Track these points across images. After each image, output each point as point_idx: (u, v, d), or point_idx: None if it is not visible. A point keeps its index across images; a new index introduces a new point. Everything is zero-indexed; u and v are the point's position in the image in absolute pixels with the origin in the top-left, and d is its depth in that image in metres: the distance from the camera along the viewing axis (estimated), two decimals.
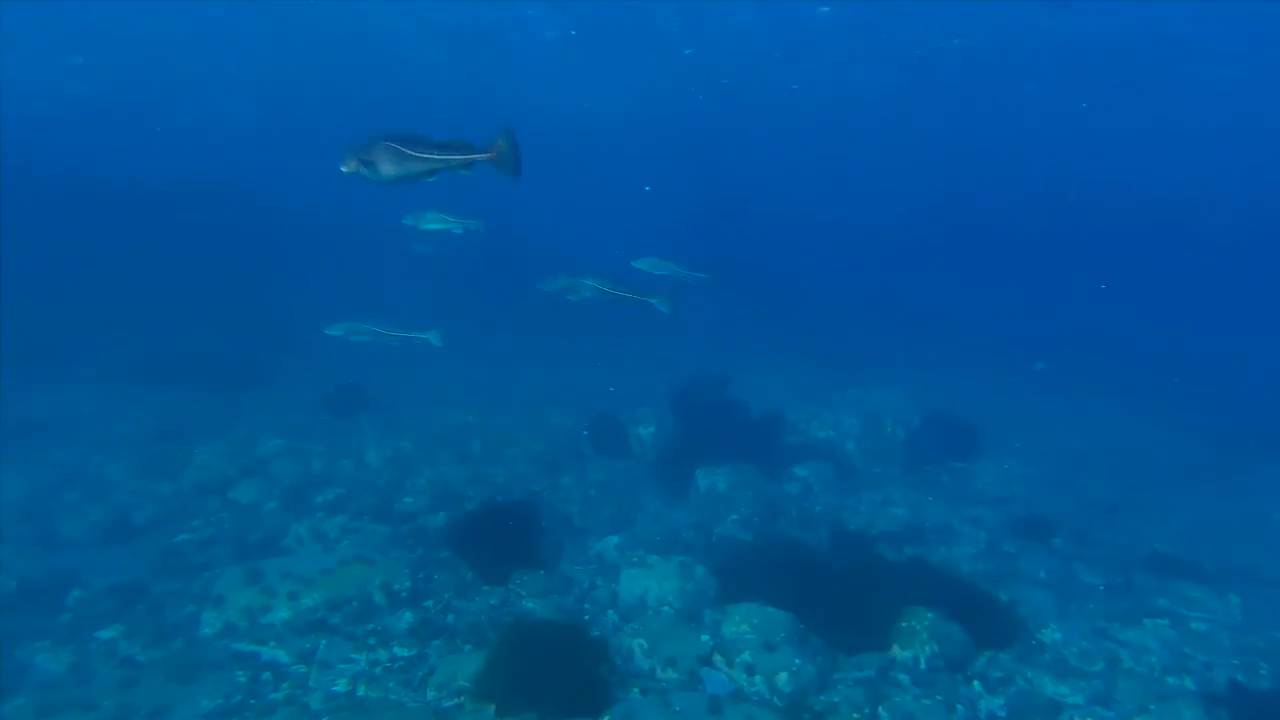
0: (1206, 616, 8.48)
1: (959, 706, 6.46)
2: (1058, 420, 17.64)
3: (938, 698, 6.52)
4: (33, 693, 5.93)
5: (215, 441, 11.35)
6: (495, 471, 11.09)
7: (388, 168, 4.32)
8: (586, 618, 7.74)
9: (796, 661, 6.72)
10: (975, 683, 6.99)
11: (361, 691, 6.31)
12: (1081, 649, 7.65)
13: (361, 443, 11.56)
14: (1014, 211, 40.88)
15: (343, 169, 4.38)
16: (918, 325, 31.42)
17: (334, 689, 6.33)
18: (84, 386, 13.92)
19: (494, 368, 18.35)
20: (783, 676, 6.58)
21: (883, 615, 7.33)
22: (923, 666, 7.00)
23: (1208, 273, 43.52)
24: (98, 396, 13.37)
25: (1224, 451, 16.02)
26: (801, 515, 10.59)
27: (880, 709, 6.30)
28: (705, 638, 7.13)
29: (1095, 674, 7.31)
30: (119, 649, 6.64)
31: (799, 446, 12.74)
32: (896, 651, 7.13)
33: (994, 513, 11.26)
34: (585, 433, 12.79)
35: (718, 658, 6.88)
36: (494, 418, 13.54)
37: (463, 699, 6.10)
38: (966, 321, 32.65)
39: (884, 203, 40.91)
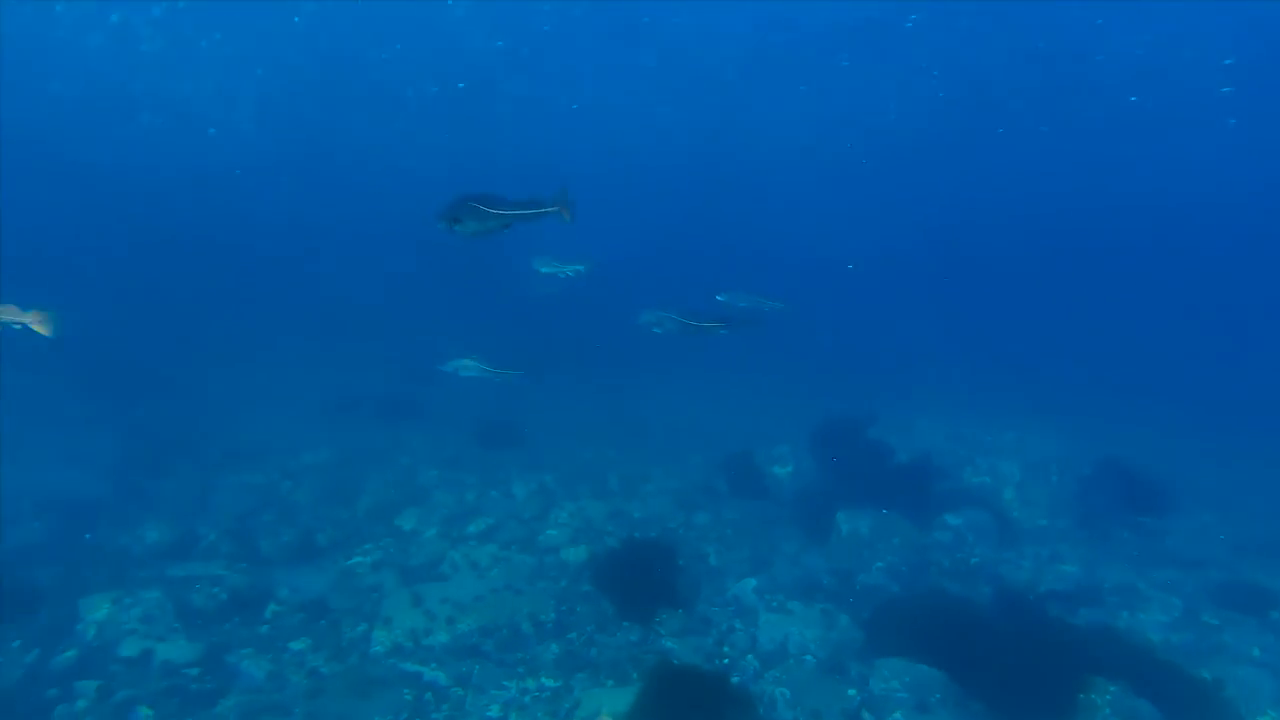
0: None
1: None
2: (1257, 473, 15.28)
3: None
4: (240, 695, 6.75)
5: (383, 470, 12.53)
6: (632, 507, 11.30)
7: (470, 225, 4.87)
8: (726, 661, 7.64)
9: None
10: None
11: (513, 718, 6.61)
12: None
13: (508, 475, 12.22)
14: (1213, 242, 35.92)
15: None
16: (1079, 361, 28.63)
17: (488, 714, 6.68)
18: (273, 420, 15.82)
19: (624, 400, 18.79)
20: None
21: (1056, 684, 6.65)
22: None
23: None
24: (285, 428, 15.14)
25: None
26: (955, 567, 9.87)
27: None
28: (851, 692, 6.84)
29: None
30: (307, 661, 7.40)
31: (950, 492, 11.91)
32: None
33: (1190, 576, 9.93)
34: (721, 471, 12.73)
35: (866, 714, 6.56)
36: (628, 452, 13.88)
37: None
38: (1137, 360, 29.28)
39: (1042, 237, 37.84)
